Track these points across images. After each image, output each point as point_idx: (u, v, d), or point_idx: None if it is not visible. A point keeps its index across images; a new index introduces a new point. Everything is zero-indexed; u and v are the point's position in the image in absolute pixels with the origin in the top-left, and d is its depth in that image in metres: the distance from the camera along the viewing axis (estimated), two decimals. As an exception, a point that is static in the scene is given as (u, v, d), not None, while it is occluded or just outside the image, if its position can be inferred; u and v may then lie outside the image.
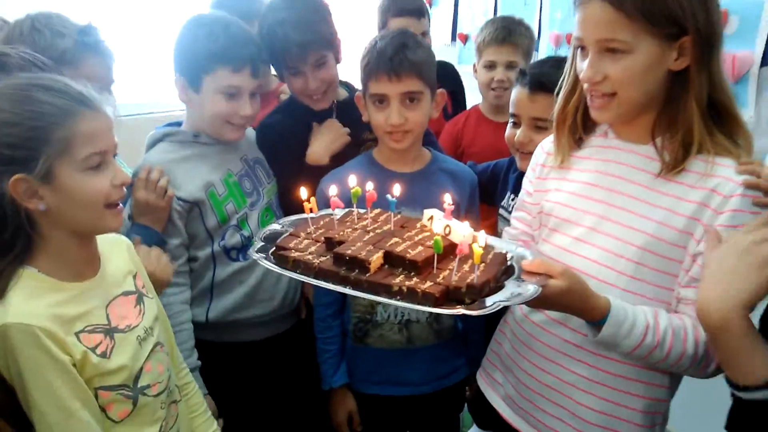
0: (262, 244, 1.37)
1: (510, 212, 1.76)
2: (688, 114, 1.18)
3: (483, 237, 1.21)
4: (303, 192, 1.41)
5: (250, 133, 1.95)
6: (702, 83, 1.17)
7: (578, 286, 1.19)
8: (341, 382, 1.78)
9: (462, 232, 1.29)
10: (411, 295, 1.14)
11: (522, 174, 1.73)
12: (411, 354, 1.74)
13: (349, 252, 1.22)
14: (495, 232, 1.93)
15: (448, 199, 1.34)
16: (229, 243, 1.75)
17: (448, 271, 1.22)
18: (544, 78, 1.65)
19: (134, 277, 1.33)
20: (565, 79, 1.37)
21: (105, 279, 1.24)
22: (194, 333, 1.71)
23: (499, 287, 1.19)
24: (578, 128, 1.37)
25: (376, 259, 1.21)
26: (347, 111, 1.89)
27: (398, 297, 1.16)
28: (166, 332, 1.41)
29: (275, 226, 1.47)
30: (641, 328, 1.18)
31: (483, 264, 1.20)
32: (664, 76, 1.19)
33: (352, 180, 1.42)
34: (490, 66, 2.33)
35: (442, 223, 1.33)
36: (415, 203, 1.58)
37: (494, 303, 1.11)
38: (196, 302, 1.75)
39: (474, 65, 2.47)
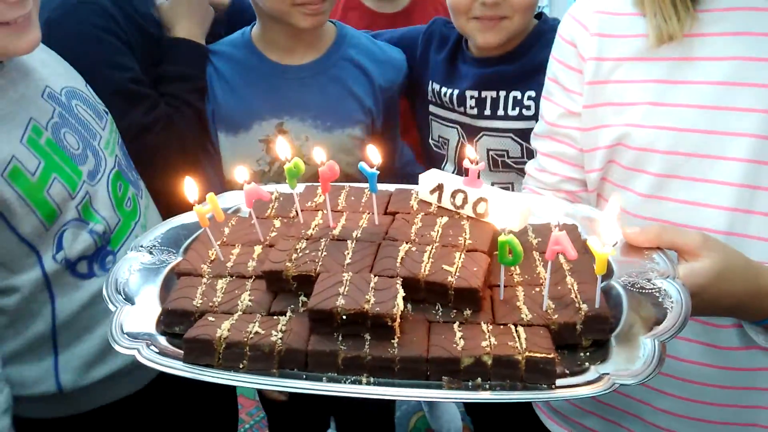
0: (122, 305, 0.68)
1: (475, 115, 1.19)
2: None
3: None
4: (189, 187, 0.72)
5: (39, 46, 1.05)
6: None
7: (737, 262, 0.70)
8: None
9: (514, 207, 0.72)
10: (502, 368, 0.57)
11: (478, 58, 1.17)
12: None
13: (341, 305, 0.59)
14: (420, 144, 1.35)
15: (471, 153, 0.74)
16: (72, 252, 0.97)
17: (523, 295, 0.66)
18: None
19: None
20: None
21: None
22: (36, 409, 1.00)
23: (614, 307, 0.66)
24: None
25: (400, 304, 0.60)
26: None
27: (473, 376, 0.58)
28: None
29: (129, 262, 0.76)
30: None
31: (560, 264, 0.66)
32: None
33: (282, 147, 0.75)
34: None
35: (470, 194, 0.74)
36: (304, 111, 1.18)
37: (648, 345, 0.59)
38: (27, 363, 1.00)
39: None
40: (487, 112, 1.18)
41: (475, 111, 1.20)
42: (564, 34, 0.92)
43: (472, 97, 1.19)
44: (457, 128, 1.24)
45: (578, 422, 0.99)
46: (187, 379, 0.60)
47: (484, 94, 1.18)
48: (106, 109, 1.10)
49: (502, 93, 1.17)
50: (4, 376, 0.90)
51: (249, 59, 1.20)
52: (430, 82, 1.26)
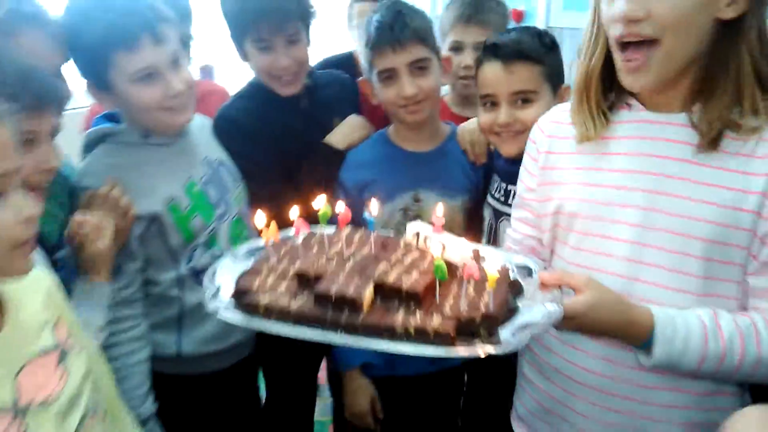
0: (214, 286, 1.12)
1: (502, 201, 1.57)
2: (738, 70, 0.99)
3: (489, 253, 1.03)
4: (259, 218, 1.17)
5: (207, 127, 1.67)
6: (757, 34, 0.98)
7: (609, 298, 1.02)
8: (362, 360, 1.66)
9: (461, 249, 1.10)
10: (420, 336, 0.94)
11: (507, 159, 1.55)
12: None
13: (334, 290, 1.00)
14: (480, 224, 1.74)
15: (439, 211, 1.14)
16: (198, 265, 1.48)
17: (452, 300, 1.03)
18: (521, 45, 1.43)
19: (54, 326, 1.01)
20: (589, 31, 1.12)
21: (14, 337, 0.93)
22: (159, 366, 1.47)
23: (510, 311, 1.02)
24: (602, 99, 1.14)
25: (368, 294, 1.00)
26: (316, 95, 1.77)
27: (404, 339, 0.95)
28: (101, 391, 1.11)
29: (221, 261, 1.22)
30: (698, 337, 0.99)
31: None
32: (710, 25, 0.99)
33: (320, 200, 1.19)
34: (457, 48, 1.98)
35: (435, 240, 1.13)
36: (432, 184, 1.61)
37: (516, 335, 0.94)
38: (159, 333, 1.51)
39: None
40: (510, 201, 1.52)
41: (503, 199, 1.58)
42: (531, 136, 1.31)
43: (502, 188, 1.58)
44: (490, 209, 1.63)
45: (532, 426, 1.31)
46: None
47: (510, 187, 1.54)
48: (241, 175, 1.63)
49: None
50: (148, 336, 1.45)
51: (387, 150, 1.66)
52: (499, 182, 1.63)
